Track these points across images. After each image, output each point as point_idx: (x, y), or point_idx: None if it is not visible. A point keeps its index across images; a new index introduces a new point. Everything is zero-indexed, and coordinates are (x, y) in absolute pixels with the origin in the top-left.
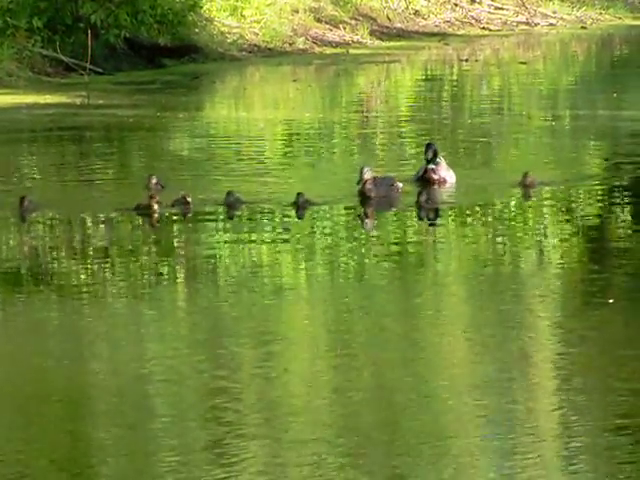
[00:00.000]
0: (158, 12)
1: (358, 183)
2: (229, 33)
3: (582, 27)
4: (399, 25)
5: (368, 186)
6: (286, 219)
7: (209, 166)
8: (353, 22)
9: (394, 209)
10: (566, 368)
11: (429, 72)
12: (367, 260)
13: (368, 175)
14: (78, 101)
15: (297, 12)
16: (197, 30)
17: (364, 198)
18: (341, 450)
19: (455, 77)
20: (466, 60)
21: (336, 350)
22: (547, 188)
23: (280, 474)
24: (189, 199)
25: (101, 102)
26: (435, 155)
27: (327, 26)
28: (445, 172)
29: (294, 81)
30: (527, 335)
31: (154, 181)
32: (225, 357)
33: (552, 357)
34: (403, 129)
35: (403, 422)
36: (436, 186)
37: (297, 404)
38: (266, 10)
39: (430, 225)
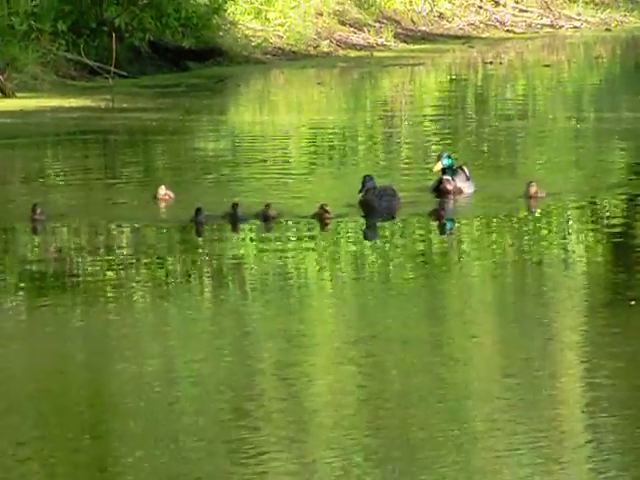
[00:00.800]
0: (182, 15)
1: (360, 192)
2: (253, 36)
3: (607, 29)
4: (423, 28)
5: (370, 196)
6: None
7: (232, 171)
8: (377, 25)
9: (396, 219)
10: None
11: (453, 75)
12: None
13: (370, 184)
14: (102, 104)
15: (321, 15)
16: (221, 33)
17: (366, 208)
18: (367, 451)
19: (480, 80)
20: (490, 63)
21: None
22: (562, 197)
23: (306, 473)
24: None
25: (125, 105)
26: (450, 165)
27: (351, 29)
28: (462, 182)
29: (318, 84)
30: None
31: (162, 192)
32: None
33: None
34: (427, 133)
35: (430, 424)
36: (451, 196)
37: (323, 406)
38: (290, 13)
39: (441, 234)
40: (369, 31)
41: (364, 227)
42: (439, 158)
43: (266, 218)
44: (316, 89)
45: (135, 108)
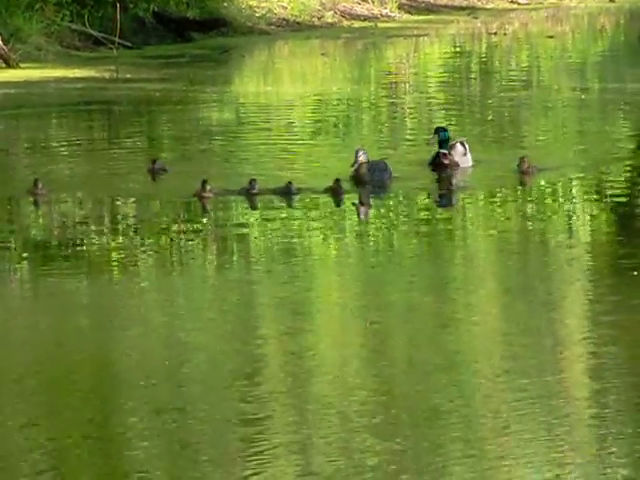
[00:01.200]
0: None
1: (352, 166)
2: (258, 7)
3: (610, 1)
4: None
5: (363, 170)
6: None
7: (236, 144)
8: None
9: (389, 193)
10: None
11: (458, 46)
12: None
13: (363, 158)
14: (107, 75)
15: None
16: (225, 4)
17: (358, 182)
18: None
19: (484, 51)
20: (495, 34)
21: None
22: (559, 171)
23: (310, 450)
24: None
25: (129, 76)
26: (446, 139)
27: (355, 0)
28: (459, 156)
29: (322, 55)
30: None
31: (158, 166)
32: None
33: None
34: (431, 104)
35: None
36: (448, 170)
37: (330, 381)
38: None
39: (439, 207)
40: (373, 2)
41: (357, 201)
42: (436, 132)
43: (288, 193)
44: (320, 60)
45: (139, 79)
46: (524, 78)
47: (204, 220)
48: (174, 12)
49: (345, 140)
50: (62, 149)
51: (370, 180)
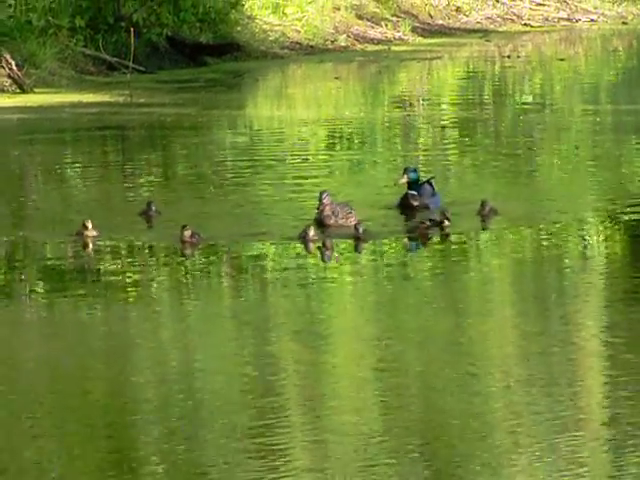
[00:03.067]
0: (200, 10)
1: (318, 209)
2: (271, 31)
3: (623, 23)
4: (440, 22)
5: (327, 212)
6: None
7: (250, 170)
8: (394, 19)
9: (356, 237)
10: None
11: (471, 69)
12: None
13: (327, 200)
14: (121, 100)
15: (338, 9)
16: (239, 28)
17: (322, 225)
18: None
19: (497, 74)
20: (508, 57)
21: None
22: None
23: (325, 465)
24: None
25: (143, 100)
26: (416, 180)
27: (369, 23)
28: (428, 198)
29: (336, 78)
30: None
31: (154, 208)
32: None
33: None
34: (445, 128)
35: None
36: (417, 212)
37: (343, 401)
38: (307, 8)
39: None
40: (386, 25)
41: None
42: (405, 172)
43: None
44: (334, 83)
45: (153, 103)
46: (538, 101)
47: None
48: (187, 37)
49: (356, 167)
50: (76, 175)
51: (335, 223)
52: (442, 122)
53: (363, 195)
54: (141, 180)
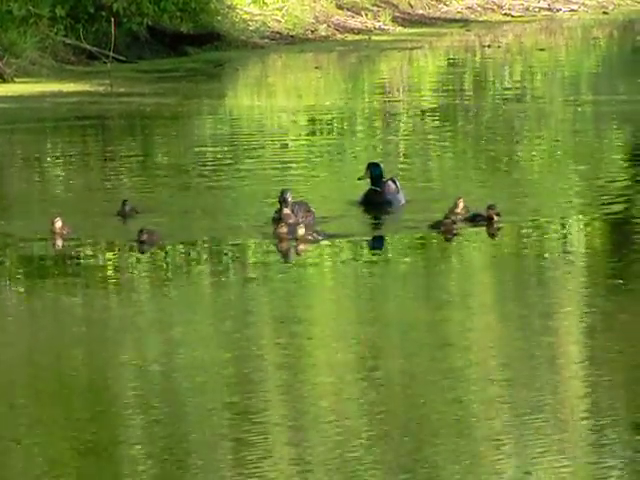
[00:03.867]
0: (180, 0)
1: (279, 210)
2: (251, 20)
3: (604, 12)
4: (421, 11)
5: (286, 211)
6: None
7: (230, 159)
8: (375, 9)
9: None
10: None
11: (451, 58)
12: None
13: (289, 199)
14: (101, 89)
15: None
16: (219, 18)
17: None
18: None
19: (478, 63)
20: (488, 46)
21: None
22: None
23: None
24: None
25: (124, 90)
26: (380, 176)
27: (349, 13)
28: (392, 195)
29: (316, 68)
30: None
31: (127, 207)
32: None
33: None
34: (426, 118)
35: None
36: (382, 208)
37: (325, 394)
38: None
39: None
40: (367, 15)
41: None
42: (368, 167)
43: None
44: (314, 73)
45: (133, 93)
46: (518, 91)
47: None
48: (168, 26)
49: (339, 158)
50: (55, 164)
51: (294, 222)
52: (422, 111)
53: (333, 189)
54: (120, 172)
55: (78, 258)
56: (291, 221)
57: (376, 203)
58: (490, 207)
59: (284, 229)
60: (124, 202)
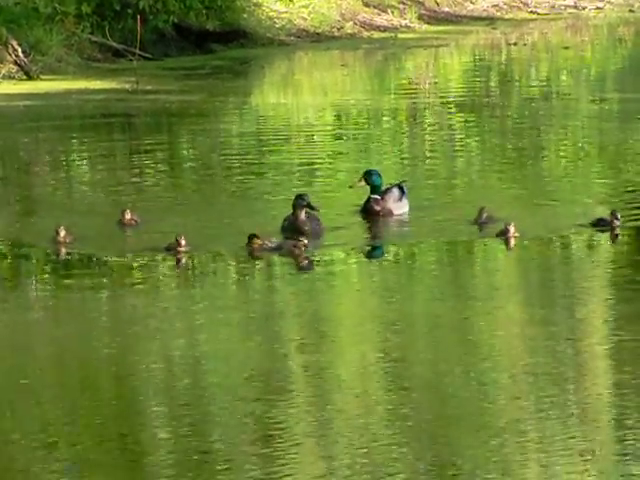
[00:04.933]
0: None
1: (293, 214)
2: (277, 18)
3: (630, 10)
4: (447, 9)
5: (302, 217)
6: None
7: (256, 157)
8: (401, 6)
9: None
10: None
11: (477, 56)
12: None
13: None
14: (127, 87)
15: None
16: (245, 15)
17: (297, 232)
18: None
19: (503, 61)
20: (514, 44)
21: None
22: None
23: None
24: None
25: (150, 88)
26: (378, 183)
27: (375, 10)
28: (393, 203)
29: (342, 66)
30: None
31: (128, 216)
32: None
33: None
34: (451, 115)
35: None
36: (380, 218)
37: (349, 395)
38: None
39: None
40: (393, 12)
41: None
42: (364, 175)
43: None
44: (340, 71)
45: (160, 90)
46: (544, 89)
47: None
48: (194, 24)
49: (362, 157)
50: (83, 162)
51: (309, 230)
52: (448, 108)
53: (346, 195)
54: (145, 171)
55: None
56: (307, 229)
57: (374, 213)
58: (612, 213)
59: (259, 242)
60: (122, 212)
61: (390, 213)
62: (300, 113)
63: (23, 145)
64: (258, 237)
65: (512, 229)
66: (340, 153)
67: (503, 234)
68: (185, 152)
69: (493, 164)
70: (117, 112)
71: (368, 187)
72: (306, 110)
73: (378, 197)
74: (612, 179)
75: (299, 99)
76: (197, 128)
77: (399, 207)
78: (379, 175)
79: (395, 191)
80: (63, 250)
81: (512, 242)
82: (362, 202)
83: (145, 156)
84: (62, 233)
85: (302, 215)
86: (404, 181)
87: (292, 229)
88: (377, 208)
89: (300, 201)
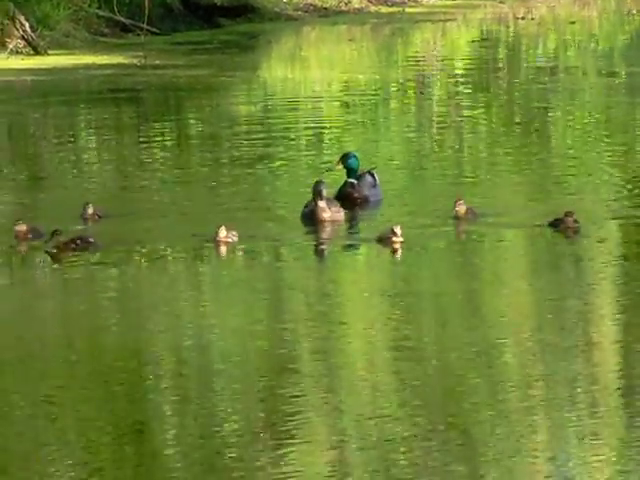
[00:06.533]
0: None
1: (311, 201)
2: None
3: None
4: None
5: (321, 205)
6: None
7: (264, 132)
8: None
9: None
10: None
11: (485, 31)
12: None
13: (325, 192)
14: (135, 61)
15: None
16: None
17: (315, 221)
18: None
19: (511, 36)
20: (522, 18)
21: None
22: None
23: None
24: None
25: (158, 62)
26: (354, 169)
27: None
28: (368, 190)
29: (350, 40)
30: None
31: (90, 211)
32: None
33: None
34: (459, 92)
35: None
36: (357, 205)
37: (357, 380)
38: None
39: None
40: None
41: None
42: (341, 158)
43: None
44: (347, 46)
45: (167, 65)
46: (551, 64)
47: None
48: None
49: (370, 132)
50: (90, 136)
51: (330, 219)
52: (455, 83)
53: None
54: (152, 148)
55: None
56: (326, 215)
57: (352, 199)
58: (568, 214)
59: (223, 232)
60: (85, 206)
61: (366, 200)
62: (307, 87)
63: (33, 120)
64: (60, 233)
65: (398, 232)
66: (345, 129)
67: (383, 240)
68: (191, 128)
69: (495, 146)
70: (125, 87)
71: (344, 170)
72: (313, 84)
73: (354, 181)
74: (620, 172)
75: (306, 73)
76: (204, 103)
77: (374, 194)
78: (356, 158)
79: (368, 177)
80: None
81: (396, 247)
82: (338, 186)
83: (151, 132)
84: (22, 228)
85: (321, 203)
86: (374, 167)
87: (310, 217)
88: (355, 194)
89: (318, 188)
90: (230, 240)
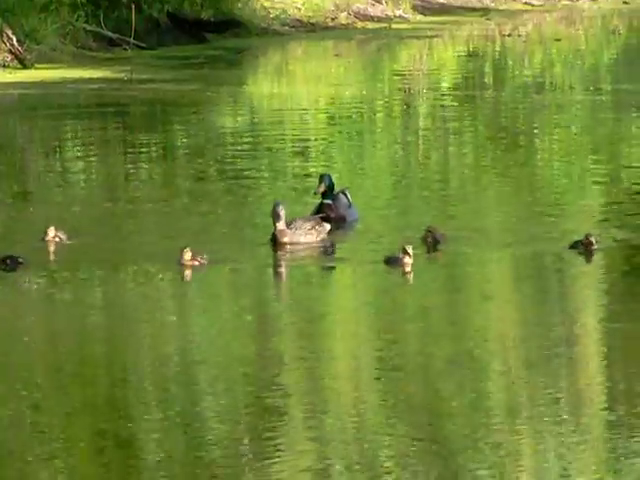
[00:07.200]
0: None
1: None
2: (272, 8)
3: (624, 2)
4: (441, 0)
5: (280, 227)
6: None
7: (250, 147)
8: None
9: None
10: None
11: (471, 47)
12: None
13: (283, 213)
14: (122, 76)
15: None
16: (240, 5)
17: (275, 245)
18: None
19: (497, 53)
20: (509, 35)
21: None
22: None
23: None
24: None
25: (144, 77)
26: (331, 189)
27: (369, 1)
28: (344, 210)
29: (336, 56)
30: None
31: (51, 234)
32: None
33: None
34: (445, 108)
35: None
36: (333, 224)
37: (343, 386)
38: None
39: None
40: (387, 3)
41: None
42: (321, 180)
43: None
44: (334, 61)
45: (154, 79)
46: (538, 80)
47: None
48: (188, 13)
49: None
50: (77, 151)
51: (290, 242)
52: (441, 98)
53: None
54: (137, 163)
55: None
56: (286, 239)
57: (329, 220)
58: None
59: (188, 254)
60: (47, 228)
61: (343, 220)
62: (293, 102)
63: (21, 133)
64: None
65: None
66: (331, 145)
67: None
68: (177, 143)
69: (481, 164)
70: (111, 101)
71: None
72: (299, 99)
73: (330, 202)
74: (603, 197)
75: (293, 89)
76: (191, 118)
77: (350, 214)
78: (331, 179)
79: (342, 197)
80: None
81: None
82: (314, 207)
83: (137, 147)
84: None
85: (280, 225)
86: (347, 187)
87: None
88: (331, 214)
89: (275, 210)
90: (197, 263)
